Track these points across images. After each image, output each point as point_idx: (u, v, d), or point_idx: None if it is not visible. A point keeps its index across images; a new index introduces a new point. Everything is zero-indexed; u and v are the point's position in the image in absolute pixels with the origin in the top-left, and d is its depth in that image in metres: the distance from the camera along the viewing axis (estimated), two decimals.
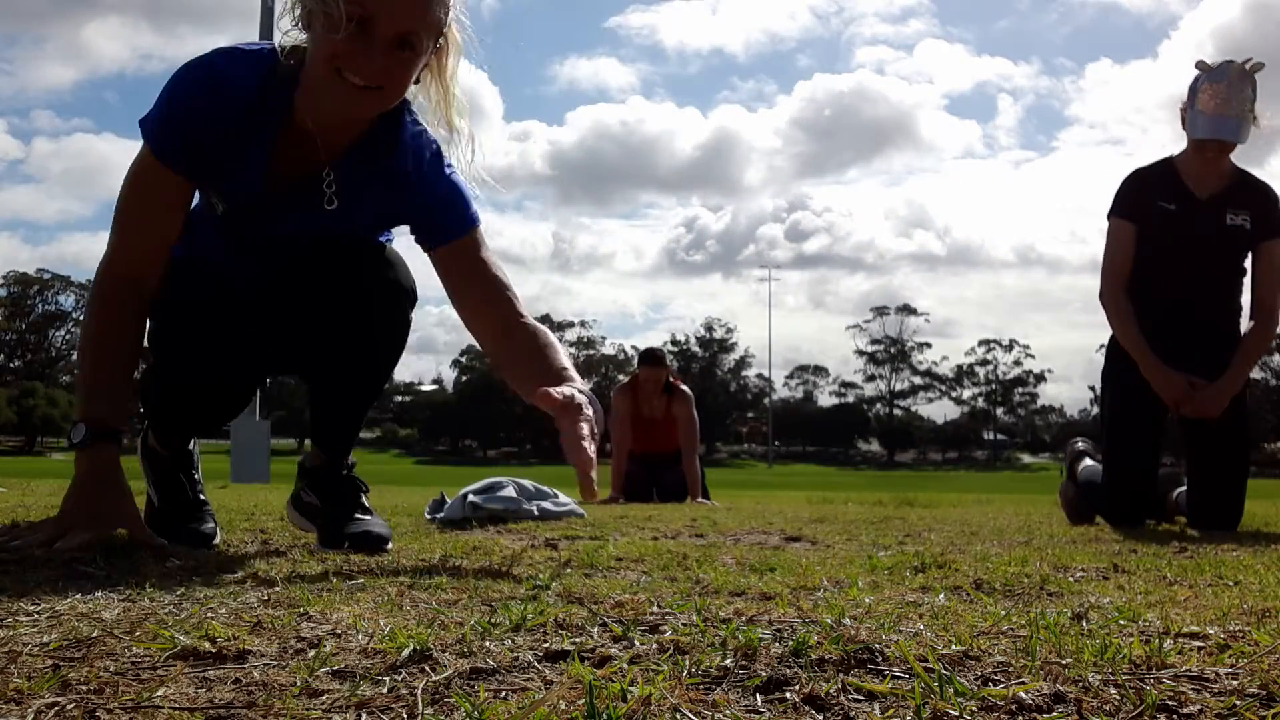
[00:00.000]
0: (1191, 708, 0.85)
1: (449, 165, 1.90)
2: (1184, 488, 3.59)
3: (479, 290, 1.90)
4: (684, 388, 6.09)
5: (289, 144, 1.77)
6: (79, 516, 1.74)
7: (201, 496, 2.17)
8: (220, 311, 1.91)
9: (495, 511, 3.10)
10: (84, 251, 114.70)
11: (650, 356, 6.09)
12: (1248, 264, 3.51)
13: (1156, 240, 3.46)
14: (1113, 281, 3.47)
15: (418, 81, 1.76)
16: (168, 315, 1.92)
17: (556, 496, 3.45)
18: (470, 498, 3.14)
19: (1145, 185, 3.48)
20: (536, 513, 3.22)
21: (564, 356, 1.85)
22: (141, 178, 1.78)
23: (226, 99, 1.71)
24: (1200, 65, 3.38)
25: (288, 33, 1.70)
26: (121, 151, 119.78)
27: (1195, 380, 3.37)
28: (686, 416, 5.97)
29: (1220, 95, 3.30)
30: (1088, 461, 3.90)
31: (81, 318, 1.89)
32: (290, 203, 1.83)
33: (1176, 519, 3.69)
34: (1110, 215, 3.51)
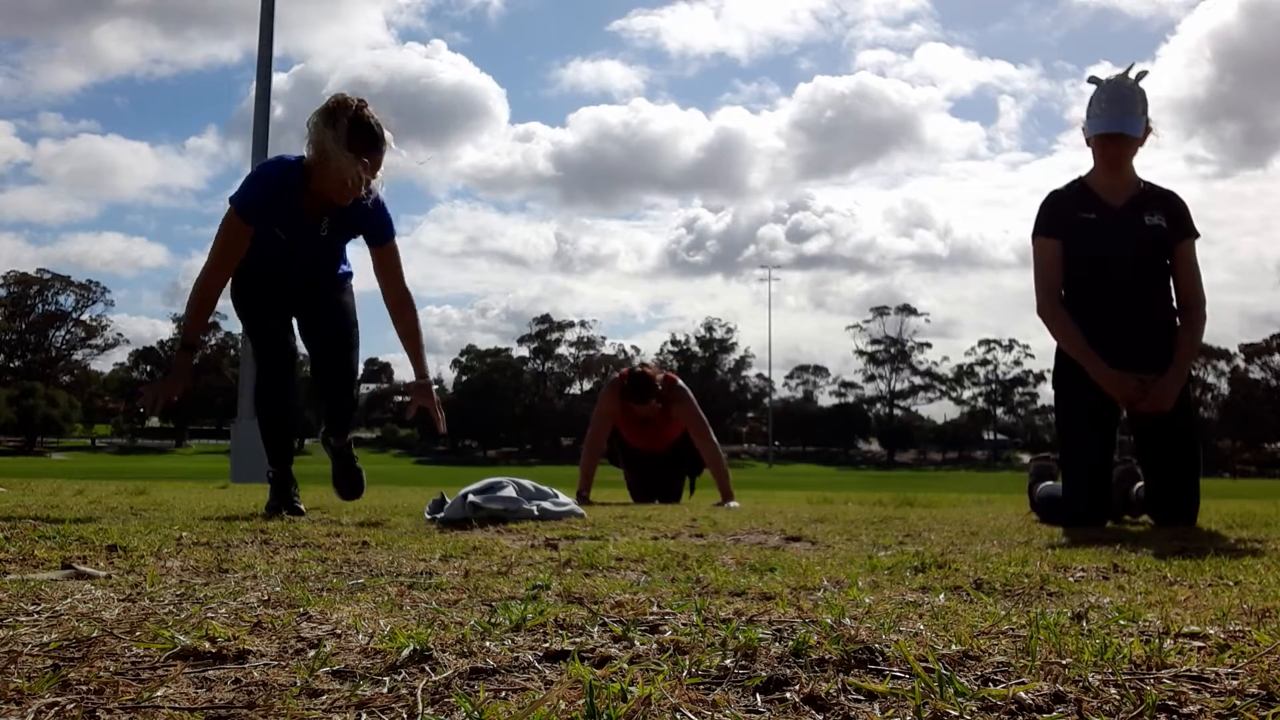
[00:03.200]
0: (1191, 708, 0.85)
1: (380, 201, 3.41)
2: (1143, 483, 3.72)
3: (386, 277, 3.52)
4: (679, 383, 5.79)
5: (306, 204, 3.40)
6: (162, 381, 3.39)
7: (297, 500, 3.59)
8: (265, 283, 3.57)
9: (495, 512, 3.10)
10: (87, 253, 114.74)
11: (636, 390, 5.53)
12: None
13: (1084, 250, 3.61)
14: (1047, 297, 3.62)
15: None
16: (241, 284, 3.57)
17: (556, 496, 3.45)
18: (470, 498, 3.14)
19: (1061, 202, 3.67)
20: (536, 513, 3.22)
21: (422, 351, 3.59)
22: (230, 227, 3.35)
23: (277, 185, 3.36)
24: (1093, 79, 3.61)
25: (307, 149, 3.27)
26: (128, 153, 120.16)
27: (1144, 377, 3.51)
28: (692, 415, 5.68)
29: (1113, 97, 3.55)
30: (1047, 483, 4.06)
31: (193, 285, 3.53)
32: (308, 231, 3.47)
33: (1140, 516, 3.82)
34: (1034, 236, 3.68)
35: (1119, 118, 3.54)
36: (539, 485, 3.49)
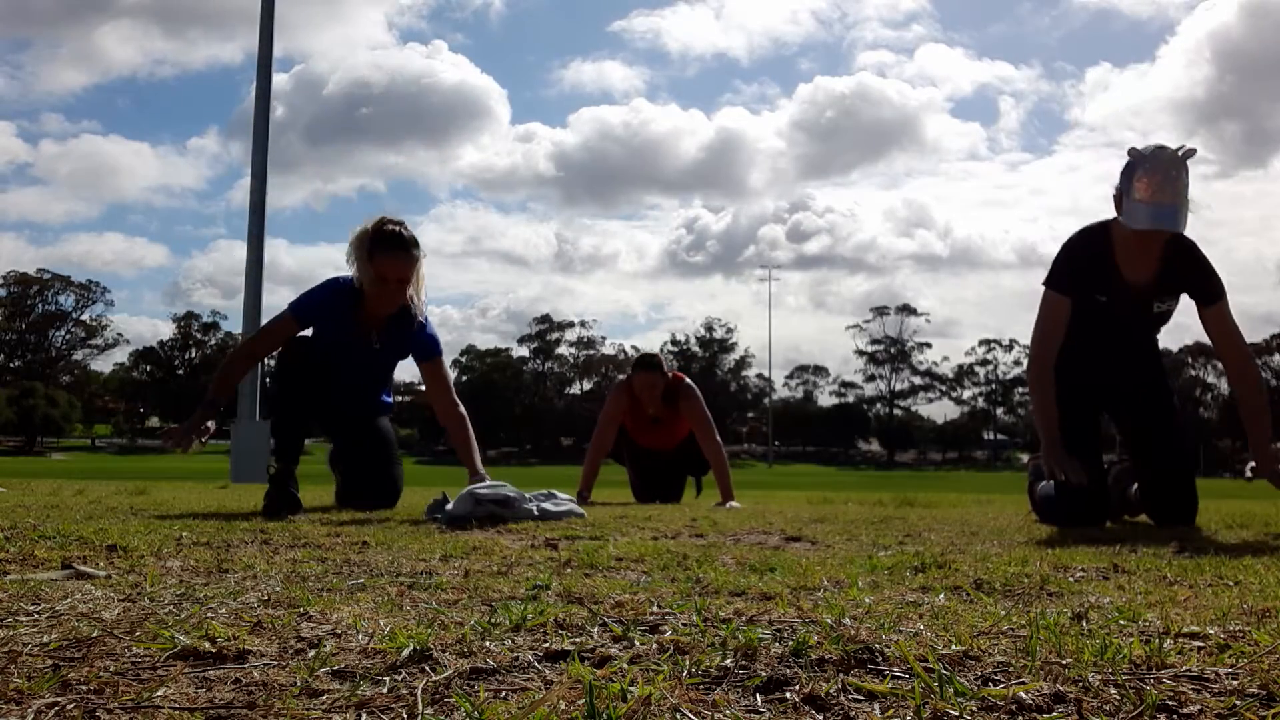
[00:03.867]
0: (1191, 708, 0.85)
1: (427, 323, 3.86)
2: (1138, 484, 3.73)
3: (434, 389, 3.96)
4: (687, 381, 5.79)
5: (360, 319, 3.76)
6: (184, 426, 3.61)
7: (294, 490, 3.60)
8: (311, 382, 3.75)
9: (495, 511, 3.10)
10: (88, 253, 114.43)
11: (645, 362, 5.71)
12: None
13: (1085, 322, 3.51)
14: (1042, 356, 3.47)
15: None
16: (288, 374, 3.73)
17: (556, 496, 3.45)
18: (473, 491, 3.16)
19: (1081, 271, 3.46)
20: (536, 512, 3.22)
21: (473, 449, 3.87)
22: (281, 322, 3.74)
23: (334, 297, 3.72)
24: (1133, 153, 3.31)
25: (351, 268, 3.68)
26: (129, 154, 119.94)
27: (1091, 469, 3.39)
28: (697, 413, 5.67)
29: (1156, 183, 3.21)
30: (1047, 482, 4.04)
31: (229, 353, 4.04)
32: (360, 343, 3.81)
33: (1138, 515, 3.81)
34: (1048, 286, 3.49)
35: (1164, 213, 3.21)
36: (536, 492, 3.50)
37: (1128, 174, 3.29)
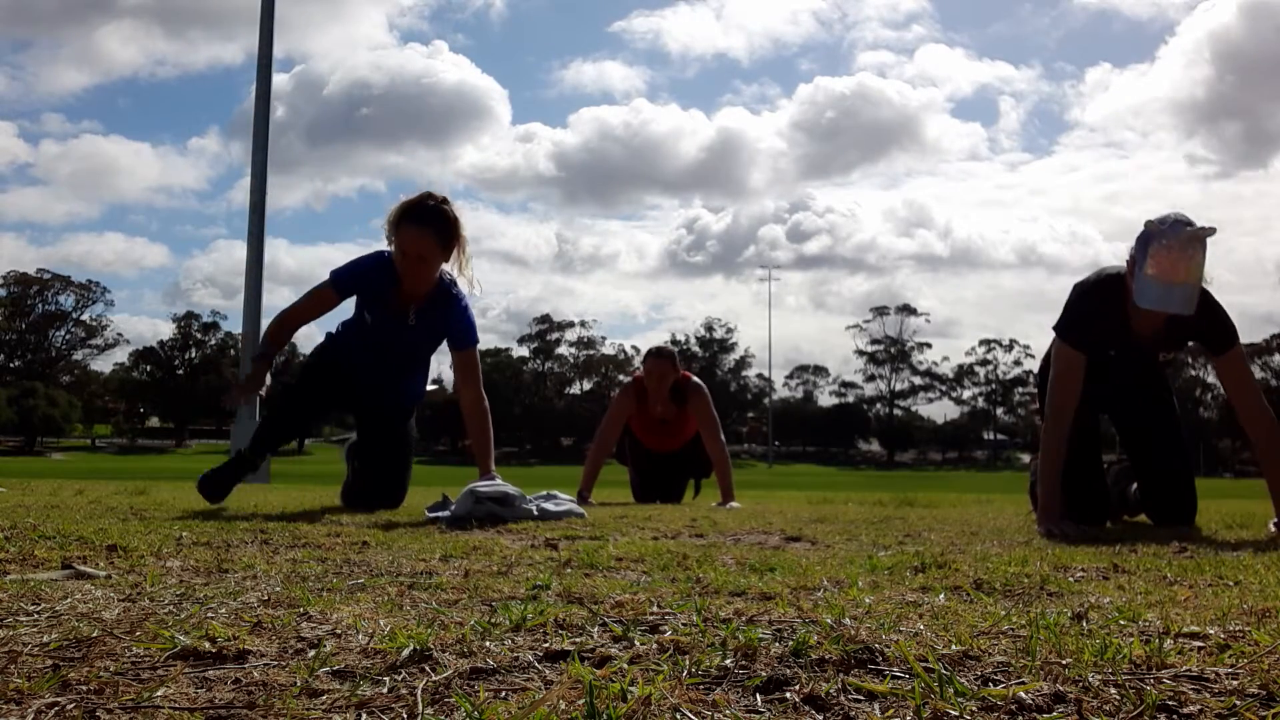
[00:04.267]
0: (1191, 708, 0.85)
1: (467, 308, 3.79)
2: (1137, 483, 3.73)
3: (464, 378, 3.87)
4: (695, 379, 5.74)
5: (398, 294, 3.68)
6: (244, 382, 3.84)
7: (232, 482, 3.68)
8: (330, 374, 3.85)
9: (495, 510, 3.10)
10: (89, 253, 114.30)
11: (658, 350, 5.70)
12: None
13: (1091, 374, 3.43)
14: (1061, 417, 3.33)
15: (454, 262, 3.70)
16: (307, 365, 3.91)
17: (556, 496, 3.46)
18: (474, 489, 3.16)
19: (1093, 324, 3.38)
20: (536, 512, 3.22)
21: (488, 448, 3.78)
22: (321, 290, 3.74)
23: (372, 272, 3.68)
24: (1150, 225, 3.16)
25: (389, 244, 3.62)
26: (130, 154, 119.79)
27: (1085, 529, 3.28)
28: (705, 412, 5.59)
29: (1170, 262, 3.08)
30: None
31: (277, 313, 3.92)
32: (396, 321, 3.75)
33: (1138, 515, 3.81)
34: (1062, 339, 3.39)
35: (1174, 295, 3.08)
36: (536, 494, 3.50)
37: (1142, 245, 3.14)
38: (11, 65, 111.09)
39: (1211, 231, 3.11)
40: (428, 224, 3.50)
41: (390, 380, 3.93)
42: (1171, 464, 3.59)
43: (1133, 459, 3.70)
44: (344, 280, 3.71)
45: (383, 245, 3.70)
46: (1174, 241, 3.07)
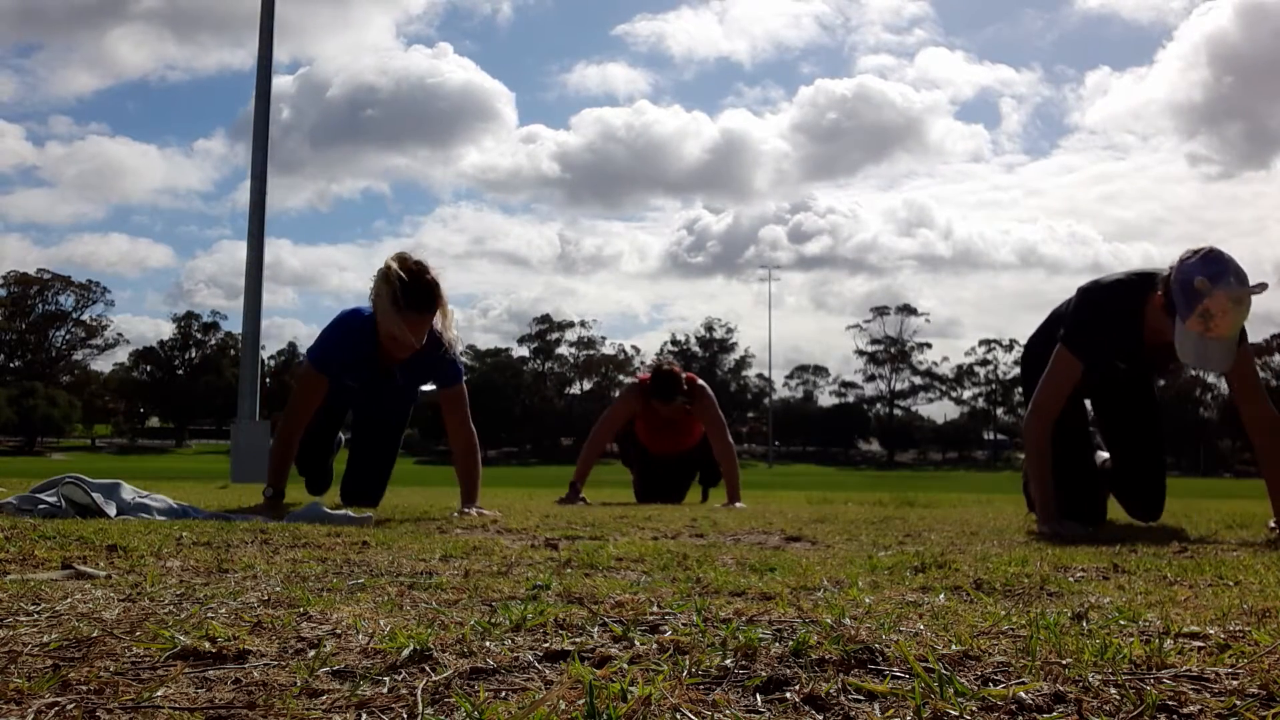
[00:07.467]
0: (1191, 708, 0.85)
1: (451, 355, 3.73)
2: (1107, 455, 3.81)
3: (450, 414, 3.86)
4: (700, 382, 5.70)
5: (382, 357, 3.70)
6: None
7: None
8: (330, 423, 4.21)
9: (79, 502, 2.74)
10: (93, 254, 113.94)
11: (661, 388, 5.46)
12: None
13: (1092, 381, 3.45)
14: (1044, 416, 3.32)
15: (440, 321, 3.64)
16: (313, 423, 3.96)
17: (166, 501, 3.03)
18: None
19: (1108, 341, 3.32)
20: (113, 513, 2.76)
21: (473, 481, 3.80)
22: (308, 378, 3.78)
23: (352, 338, 3.72)
24: (1201, 284, 2.97)
25: (373, 305, 3.52)
26: (136, 156, 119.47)
27: (1085, 530, 3.27)
28: (711, 414, 5.56)
29: (1216, 319, 2.96)
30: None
31: (278, 427, 3.88)
32: (380, 382, 3.85)
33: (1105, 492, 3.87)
34: (1067, 345, 3.31)
35: (1212, 354, 3.01)
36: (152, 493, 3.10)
37: (1188, 296, 2.98)
38: (20, 69, 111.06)
39: (1262, 289, 3.00)
40: (427, 310, 3.46)
41: (380, 414, 4.17)
42: (1144, 458, 3.66)
43: (1109, 445, 3.77)
44: (325, 360, 3.73)
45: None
46: (1225, 303, 2.95)
